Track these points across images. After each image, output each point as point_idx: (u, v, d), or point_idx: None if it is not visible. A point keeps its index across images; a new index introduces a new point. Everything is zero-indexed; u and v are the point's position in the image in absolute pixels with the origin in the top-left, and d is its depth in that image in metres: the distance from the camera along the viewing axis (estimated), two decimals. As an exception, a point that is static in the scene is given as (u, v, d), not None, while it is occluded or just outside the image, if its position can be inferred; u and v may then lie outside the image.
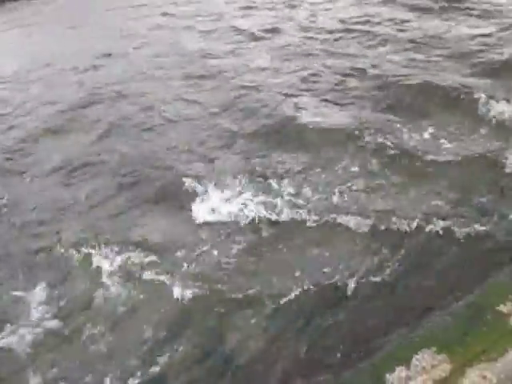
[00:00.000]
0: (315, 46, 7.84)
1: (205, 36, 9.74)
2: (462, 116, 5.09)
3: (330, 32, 8.28)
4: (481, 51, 6.45)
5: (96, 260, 4.13)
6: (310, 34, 8.41)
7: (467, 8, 8.07)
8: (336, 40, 7.94)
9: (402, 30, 7.73)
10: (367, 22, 8.42)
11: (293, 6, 10.44)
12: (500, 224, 3.66)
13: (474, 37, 6.91)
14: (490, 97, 5.18)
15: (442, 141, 4.74)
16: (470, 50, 6.55)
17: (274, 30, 9.02)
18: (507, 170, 4.14)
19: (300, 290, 3.51)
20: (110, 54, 9.67)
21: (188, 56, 8.67)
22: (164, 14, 12.21)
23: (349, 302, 3.37)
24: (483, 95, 5.21)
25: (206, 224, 4.31)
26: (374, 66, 6.64)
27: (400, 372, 2.73)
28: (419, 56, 6.71)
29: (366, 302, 3.36)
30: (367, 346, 3.07)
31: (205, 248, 4.03)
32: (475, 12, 7.84)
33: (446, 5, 8.39)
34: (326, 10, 9.65)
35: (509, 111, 4.92)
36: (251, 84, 6.90)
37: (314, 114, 5.74)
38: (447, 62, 6.40)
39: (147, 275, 3.88)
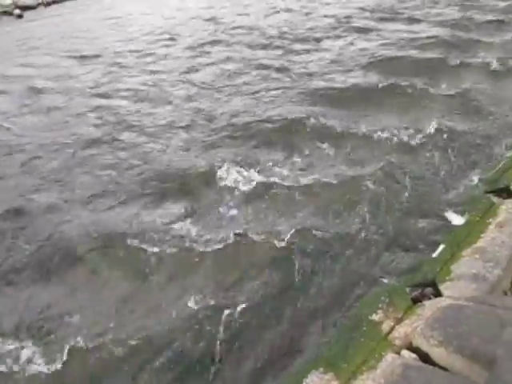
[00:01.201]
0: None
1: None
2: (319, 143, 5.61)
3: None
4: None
5: None
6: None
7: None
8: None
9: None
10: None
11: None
12: (367, 240, 4.02)
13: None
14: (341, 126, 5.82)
15: (300, 171, 5.12)
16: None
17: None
18: (358, 197, 4.60)
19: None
20: None
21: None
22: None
23: (231, 338, 3.33)
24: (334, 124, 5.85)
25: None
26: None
27: (294, 400, 2.74)
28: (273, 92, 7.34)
29: (252, 333, 3.35)
30: (260, 380, 3.04)
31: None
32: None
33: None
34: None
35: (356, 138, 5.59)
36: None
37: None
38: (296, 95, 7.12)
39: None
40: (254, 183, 4.90)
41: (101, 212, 4.95)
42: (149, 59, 10.21)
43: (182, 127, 6.56)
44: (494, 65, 7.25)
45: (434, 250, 3.73)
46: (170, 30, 12.57)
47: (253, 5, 13.63)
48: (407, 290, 3.28)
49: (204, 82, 8.20)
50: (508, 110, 6.02)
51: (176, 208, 4.81)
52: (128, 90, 8.41)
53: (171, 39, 11.47)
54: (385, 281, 3.52)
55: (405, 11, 10.61)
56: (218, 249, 4.05)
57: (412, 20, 9.95)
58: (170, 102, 7.54)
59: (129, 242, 4.29)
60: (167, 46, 11.02)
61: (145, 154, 5.98)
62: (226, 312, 3.44)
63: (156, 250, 4.20)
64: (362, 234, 4.08)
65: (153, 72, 9.19)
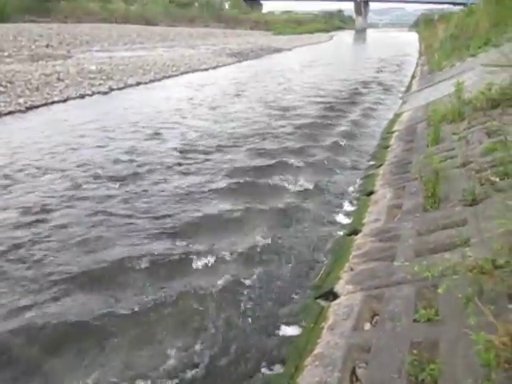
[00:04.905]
0: None
1: None
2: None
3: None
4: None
5: None
6: None
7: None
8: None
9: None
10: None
11: None
12: (209, 369, 3.92)
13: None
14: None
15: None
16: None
17: None
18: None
19: None
20: None
21: None
22: None
23: None
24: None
25: None
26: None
27: None
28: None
29: None
30: None
31: None
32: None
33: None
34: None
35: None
36: None
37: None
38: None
39: None
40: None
41: None
42: None
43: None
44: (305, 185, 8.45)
45: (280, 366, 3.83)
46: None
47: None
48: (260, 414, 3.23)
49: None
50: (319, 220, 6.98)
51: None
52: None
53: None
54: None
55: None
56: None
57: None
58: None
59: None
60: None
61: None
62: None
63: None
64: (200, 364, 3.98)
65: None
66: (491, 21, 20.88)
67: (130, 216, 6.99)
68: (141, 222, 6.77)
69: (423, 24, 66.78)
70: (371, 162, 9.78)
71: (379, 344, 3.45)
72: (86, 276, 5.33)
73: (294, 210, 7.29)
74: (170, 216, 7.02)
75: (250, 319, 4.60)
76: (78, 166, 9.36)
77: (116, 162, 9.73)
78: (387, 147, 10.23)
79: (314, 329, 4.10)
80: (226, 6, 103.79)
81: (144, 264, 5.56)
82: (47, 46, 34.79)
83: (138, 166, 9.46)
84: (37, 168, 9.24)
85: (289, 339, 4.16)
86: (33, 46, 33.67)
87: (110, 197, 7.77)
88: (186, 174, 9.12)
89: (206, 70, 27.93)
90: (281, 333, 4.34)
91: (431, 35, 37.99)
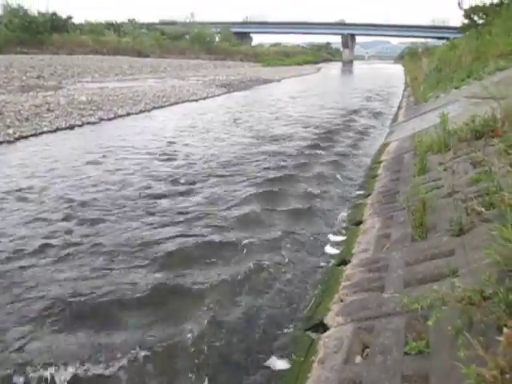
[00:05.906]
0: None
1: None
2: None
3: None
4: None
5: None
6: None
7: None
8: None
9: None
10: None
11: None
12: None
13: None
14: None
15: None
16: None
17: None
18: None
19: None
20: None
21: None
22: None
23: None
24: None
25: None
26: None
27: None
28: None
29: None
30: None
31: None
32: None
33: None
34: None
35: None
36: None
37: None
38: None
39: None
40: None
41: None
42: None
43: None
44: (293, 214, 8.47)
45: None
46: None
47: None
48: None
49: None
50: (308, 250, 6.97)
51: None
52: None
53: None
54: None
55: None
56: None
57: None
58: None
59: None
60: None
61: None
62: None
63: None
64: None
65: None
66: (473, 54, 21.64)
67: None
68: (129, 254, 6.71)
69: (408, 57, 68.90)
70: (359, 192, 9.87)
71: (370, 378, 3.40)
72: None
73: (282, 239, 7.27)
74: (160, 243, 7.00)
75: (237, 352, 4.51)
76: (65, 197, 9.32)
77: (101, 196, 9.57)
78: (375, 177, 10.33)
79: (304, 362, 4.02)
80: (217, 39, 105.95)
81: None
82: (38, 77, 35.02)
83: (128, 197, 9.44)
84: (19, 198, 9.19)
85: (278, 374, 4.08)
86: (24, 77, 33.86)
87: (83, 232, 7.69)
88: (178, 201, 9.12)
89: (196, 100, 28.28)
90: (270, 367, 4.25)
91: (416, 67, 39.12)
